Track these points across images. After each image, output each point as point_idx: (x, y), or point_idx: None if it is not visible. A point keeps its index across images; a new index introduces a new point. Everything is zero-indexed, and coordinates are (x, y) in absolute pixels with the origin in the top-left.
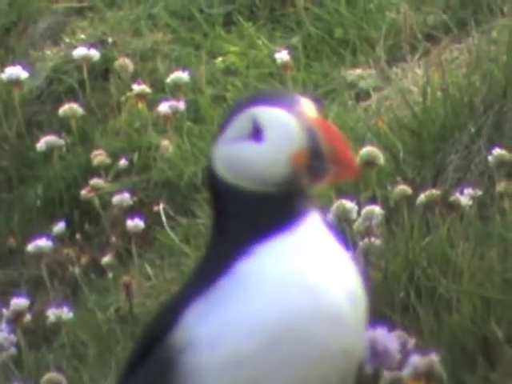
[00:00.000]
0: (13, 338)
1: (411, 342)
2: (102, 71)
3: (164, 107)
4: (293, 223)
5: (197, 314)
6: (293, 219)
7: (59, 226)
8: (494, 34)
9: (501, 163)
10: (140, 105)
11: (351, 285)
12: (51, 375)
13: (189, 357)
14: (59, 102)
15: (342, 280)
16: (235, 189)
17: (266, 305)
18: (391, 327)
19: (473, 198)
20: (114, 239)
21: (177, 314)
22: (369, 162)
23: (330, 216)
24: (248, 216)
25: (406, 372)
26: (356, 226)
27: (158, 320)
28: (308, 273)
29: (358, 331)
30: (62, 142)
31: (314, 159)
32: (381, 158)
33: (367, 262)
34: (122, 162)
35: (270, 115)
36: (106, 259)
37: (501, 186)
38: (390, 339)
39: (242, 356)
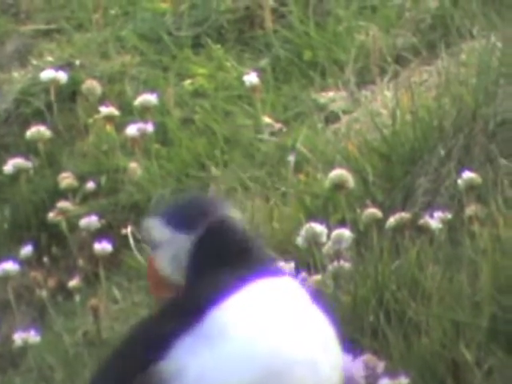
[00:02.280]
0: None
1: (381, 365)
2: (70, 94)
3: (132, 130)
4: (259, 275)
5: (186, 347)
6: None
7: (26, 249)
8: (463, 56)
9: (470, 186)
10: (108, 127)
11: (324, 335)
12: None
13: None
14: (26, 125)
15: (316, 332)
16: None
17: (247, 350)
18: (360, 351)
19: (442, 221)
20: (81, 262)
21: (163, 344)
22: (338, 185)
23: (300, 239)
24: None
25: None
26: (325, 249)
27: (137, 345)
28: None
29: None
30: (29, 164)
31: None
32: (350, 181)
33: (336, 285)
34: (90, 185)
35: None
36: (74, 282)
37: (470, 210)
38: (355, 366)
39: None
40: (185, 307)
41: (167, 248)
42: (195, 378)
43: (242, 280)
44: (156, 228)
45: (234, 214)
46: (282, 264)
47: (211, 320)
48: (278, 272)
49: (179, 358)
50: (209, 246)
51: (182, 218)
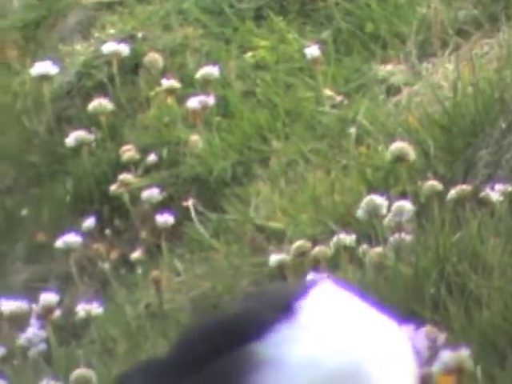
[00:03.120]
0: (42, 333)
1: (441, 337)
2: (132, 66)
3: (193, 102)
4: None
5: (285, 335)
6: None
7: (89, 222)
8: None
9: None
10: (169, 100)
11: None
12: (81, 371)
13: (269, 373)
14: (89, 97)
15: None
16: None
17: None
18: (421, 323)
19: (503, 193)
20: (143, 234)
21: (258, 327)
22: (399, 158)
23: (360, 212)
24: None
25: (436, 368)
26: (386, 221)
27: (231, 327)
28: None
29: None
30: (91, 137)
31: None
32: (411, 154)
33: (397, 257)
34: (152, 157)
35: None
36: (136, 255)
37: None
38: (416, 338)
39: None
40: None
41: None
42: (298, 364)
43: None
44: None
45: None
46: (343, 235)
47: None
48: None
49: (278, 341)
50: None
51: None
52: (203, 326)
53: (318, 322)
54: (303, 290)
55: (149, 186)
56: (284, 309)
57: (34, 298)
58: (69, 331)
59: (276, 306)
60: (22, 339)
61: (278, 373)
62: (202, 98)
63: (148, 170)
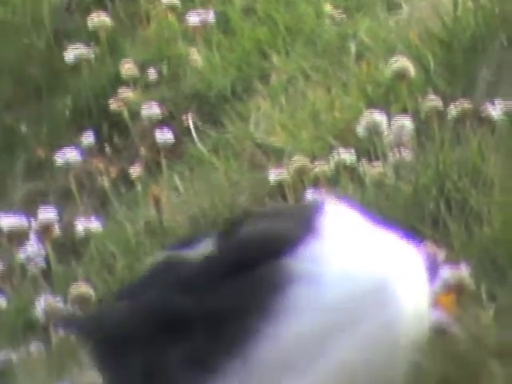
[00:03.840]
0: (41, 250)
1: (441, 254)
2: None
3: (193, 18)
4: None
5: (318, 250)
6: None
7: (88, 138)
8: None
9: None
10: (169, 16)
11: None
12: (80, 287)
13: (303, 288)
14: (88, 12)
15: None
16: None
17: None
18: (421, 240)
19: (504, 110)
20: (143, 151)
21: (290, 242)
22: (399, 74)
23: (360, 128)
24: None
25: (437, 285)
26: (386, 138)
27: (263, 240)
28: None
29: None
30: (90, 52)
31: None
32: (411, 70)
33: (397, 175)
34: (151, 73)
35: None
36: (135, 171)
37: None
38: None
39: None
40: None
41: None
42: (331, 279)
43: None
44: None
45: None
46: (343, 152)
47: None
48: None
49: (312, 256)
50: None
51: None
52: (237, 238)
53: (341, 239)
54: (319, 208)
55: (148, 102)
56: (308, 226)
57: (33, 215)
58: (68, 248)
59: (300, 223)
60: (20, 256)
61: (312, 287)
62: (202, 14)
63: (148, 85)
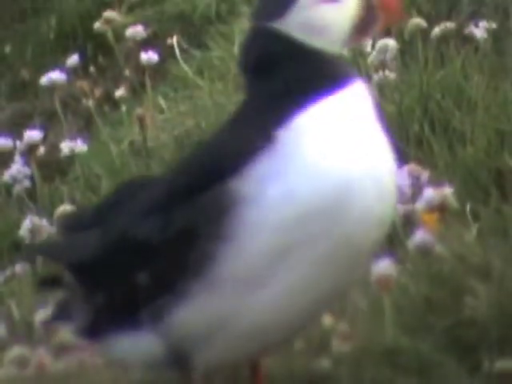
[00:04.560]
0: (27, 170)
1: (425, 175)
2: None
3: None
4: (342, 86)
5: (264, 170)
6: (342, 83)
7: (73, 59)
8: None
9: None
10: None
11: (388, 157)
12: (65, 207)
13: (249, 210)
14: None
15: (382, 151)
16: (301, 47)
17: (320, 166)
18: (405, 161)
19: (487, 30)
20: (127, 72)
21: (238, 161)
22: None
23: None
24: (303, 75)
25: (420, 205)
26: (370, 59)
27: (212, 160)
28: (359, 139)
29: (392, 203)
30: None
31: (367, 11)
32: None
33: (381, 95)
34: None
35: None
36: (120, 92)
37: None
38: (400, 175)
39: (305, 215)
40: (261, 118)
41: None
42: (275, 199)
43: (315, 89)
44: None
45: None
46: None
47: (285, 138)
48: (348, 77)
49: (257, 176)
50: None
51: None
52: (184, 161)
53: (300, 151)
54: (285, 116)
55: (133, 24)
56: (265, 137)
57: (18, 135)
58: (53, 168)
59: (256, 134)
60: (6, 176)
61: (254, 210)
62: None
63: (132, 7)
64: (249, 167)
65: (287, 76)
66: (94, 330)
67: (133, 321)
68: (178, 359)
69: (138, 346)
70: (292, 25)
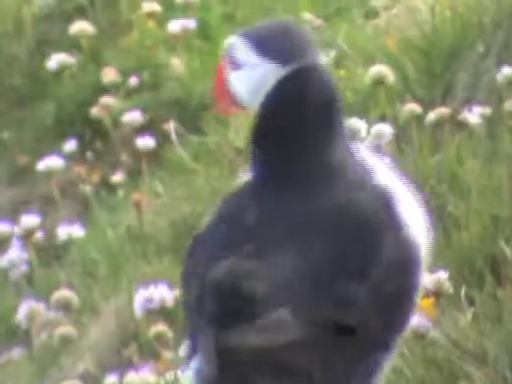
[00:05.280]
0: (24, 255)
1: None
2: None
3: (174, 26)
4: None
5: None
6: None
7: (70, 145)
8: None
9: (510, 82)
10: (150, 23)
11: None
12: (62, 292)
13: None
14: (69, 21)
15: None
16: None
17: None
18: None
19: (482, 116)
20: (124, 157)
21: None
22: (378, 81)
23: None
24: None
25: None
26: (365, 144)
27: None
28: None
29: None
30: (72, 60)
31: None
32: (390, 77)
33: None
34: (133, 80)
35: None
36: (117, 177)
37: (509, 104)
38: None
39: None
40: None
41: (249, 72)
42: None
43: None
44: (242, 49)
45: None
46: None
47: None
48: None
49: None
50: (293, 88)
51: (275, 46)
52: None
53: None
54: None
55: (130, 109)
56: None
57: (15, 220)
58: (50, 253)
59: None
60: (3, 261)
61: None
62: (183, 21)
63: (129, 93)
64: None
65: None
66: None
67: None
68: None
69: None
70: None
